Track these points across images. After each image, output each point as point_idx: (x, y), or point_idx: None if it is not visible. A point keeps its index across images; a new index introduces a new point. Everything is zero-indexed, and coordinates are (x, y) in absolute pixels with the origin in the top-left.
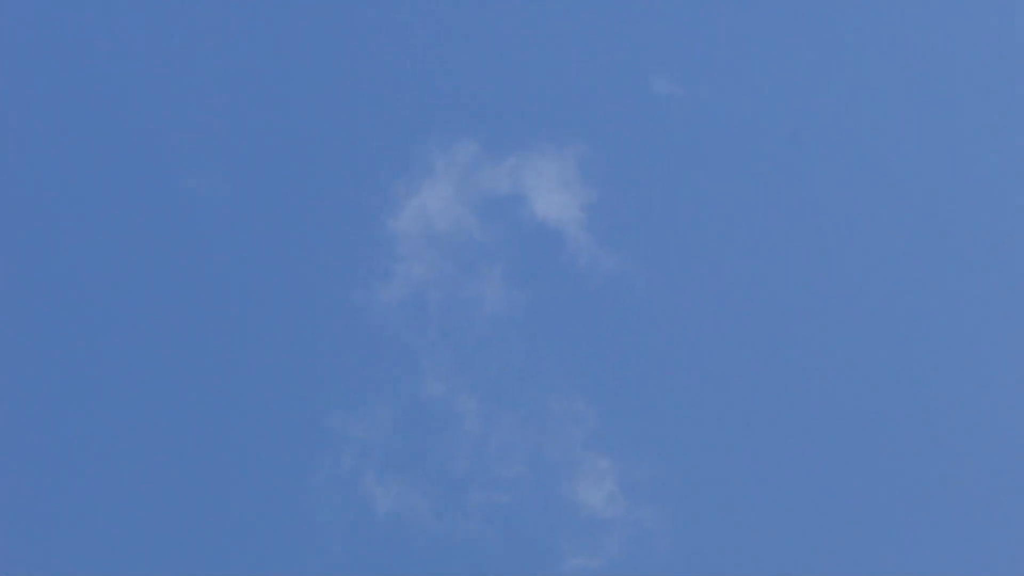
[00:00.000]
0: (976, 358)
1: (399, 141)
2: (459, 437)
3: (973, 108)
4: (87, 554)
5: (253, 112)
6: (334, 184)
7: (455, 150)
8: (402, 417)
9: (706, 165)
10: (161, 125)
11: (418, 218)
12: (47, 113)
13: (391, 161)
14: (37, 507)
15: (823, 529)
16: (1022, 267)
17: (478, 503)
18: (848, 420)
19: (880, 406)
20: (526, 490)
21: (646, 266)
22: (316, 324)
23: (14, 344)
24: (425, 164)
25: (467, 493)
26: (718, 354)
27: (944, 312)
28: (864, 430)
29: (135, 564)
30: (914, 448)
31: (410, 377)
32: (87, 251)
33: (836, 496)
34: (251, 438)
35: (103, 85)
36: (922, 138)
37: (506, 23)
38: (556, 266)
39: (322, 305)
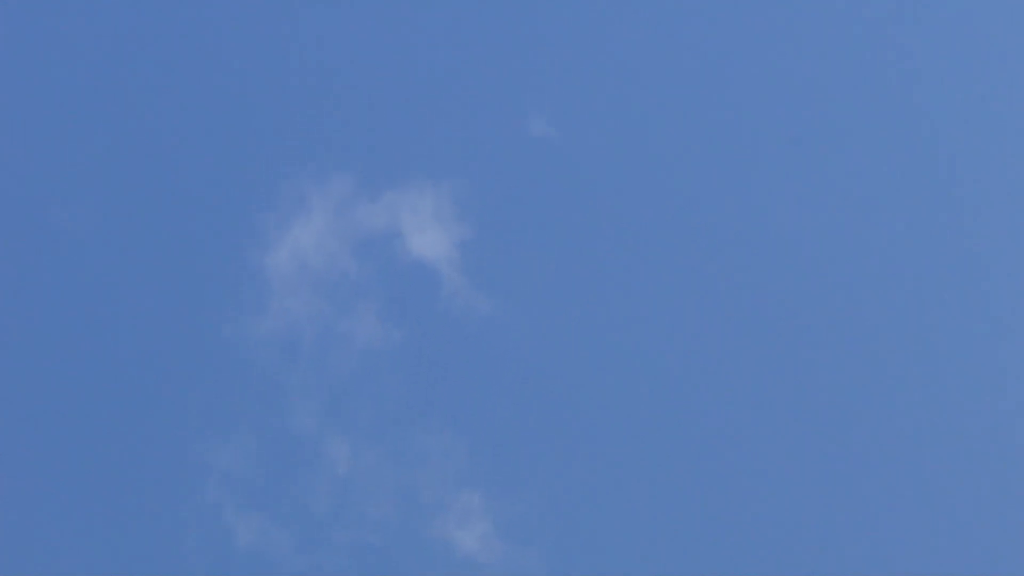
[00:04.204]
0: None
1: (274, 175)
2: (327, 473)
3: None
4: None
5: (124, 142)
6: (208, 218)
7: (330, 184)
8: (269, 451)
9: (576, 207)
10: (30, 156)
11: (292, 253)
12: None
13: (266, 195)
14: None
15: (708, 564)
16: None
17: (344, 541)
18: (724, 454)
19: (783, 422)
20: (395, 529)
21: (519, 305)
22: (187, 357)
23: None
24: (300, 198)
25: (333, 530)
26: (589, 393)
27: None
28: (748, 458)
29: None
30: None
31: (279, 411)
32: None
33: (720, 533)
34: (117, 464)
35: None
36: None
37: (383, 56)
38: (430, 304)
39: (193, 338)
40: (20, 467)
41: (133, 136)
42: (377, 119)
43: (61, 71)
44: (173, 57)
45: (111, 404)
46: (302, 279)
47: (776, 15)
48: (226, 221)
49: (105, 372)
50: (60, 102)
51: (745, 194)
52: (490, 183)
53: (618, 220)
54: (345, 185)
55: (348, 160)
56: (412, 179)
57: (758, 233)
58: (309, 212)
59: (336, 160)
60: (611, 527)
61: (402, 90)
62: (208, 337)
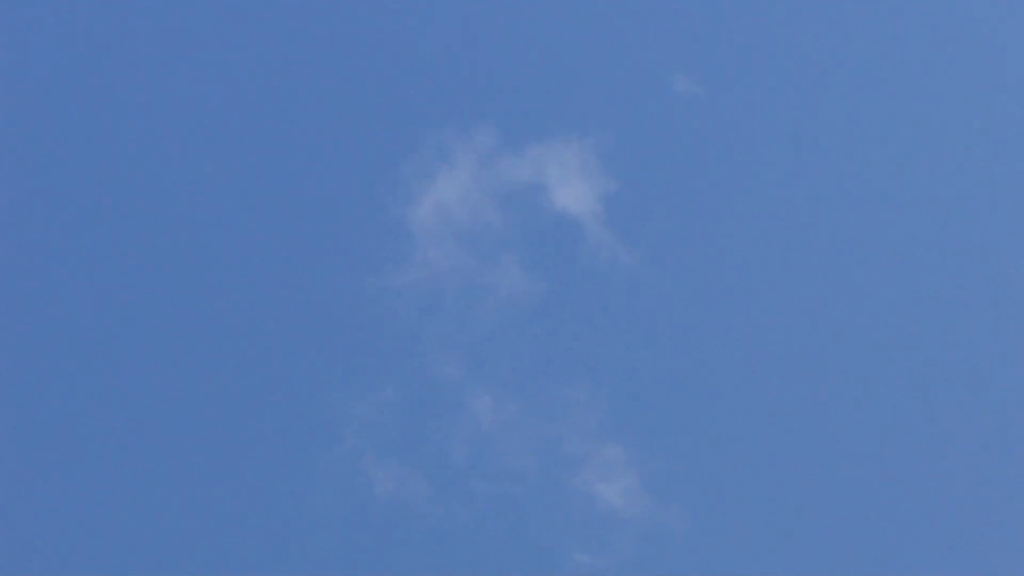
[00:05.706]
0: (974, 358)
1: (418, 129)
2: (467, 424)
3: (972, 109)
4: (88, 549)
5: (266, 100)
6: (351, 170)
7: (474, 138)
8: (409, 401)
9: (720, 164)
10: (180, 119)
11: (436, 206)
12: None
13: (411, 149)
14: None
15: (841, 530)
16: (1020, 268)
17: (483, 491)
18: (857, 415)
19: (886, 399)
20: (534, 481)
21: (661, 259)
22: (329, 307)
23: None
24: (443, 151)
25: (472, 481)
26: (732, 350)
27: (943, 311)
28: (873, 424)
29: (134, 554)
30: (920, 442)
31: (420, 362)
32: (80, 249)
33: (852, 495)
34: (257, 411)
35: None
36: (930, 138)
37: (529, 12)
38: (573, 257)
39: (336, 291)
40: (155, 422)
41: (278, 87)
42: (521, 73)
43: (196, 33)
44: (318, 14)
45: (251, 351)
46: (445, 231)
47: None
48: (371, 175)
49: (248, 322)
50: (191, 64)
51: (888, 165)
52: (635, 138)
53: (761, 177)
54: (489, 138)
55: (491, 113)
56: (556, 133)
57: (910, 205)
58: (452, 164)
59: (479, 113)
60: (755, 482)
61: (547, 45)
62: (350, 288)
